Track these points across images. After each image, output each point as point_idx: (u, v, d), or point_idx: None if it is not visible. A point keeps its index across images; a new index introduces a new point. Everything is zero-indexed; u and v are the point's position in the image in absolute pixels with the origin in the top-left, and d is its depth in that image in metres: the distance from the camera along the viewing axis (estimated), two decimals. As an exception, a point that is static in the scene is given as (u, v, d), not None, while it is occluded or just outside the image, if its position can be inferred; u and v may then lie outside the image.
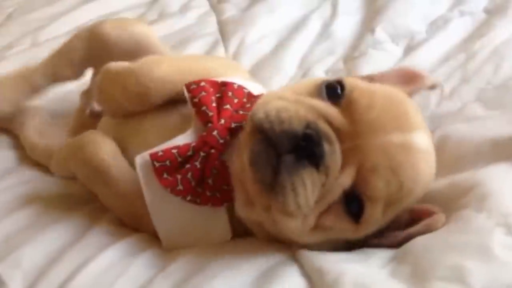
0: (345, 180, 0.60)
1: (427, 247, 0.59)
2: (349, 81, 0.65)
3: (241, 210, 0.65)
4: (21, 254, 0.68)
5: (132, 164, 0.74)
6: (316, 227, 0.62)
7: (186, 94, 0.71)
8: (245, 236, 0.69)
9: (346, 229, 0.62)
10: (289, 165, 0.59)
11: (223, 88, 0.72)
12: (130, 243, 0.69)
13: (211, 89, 0.71)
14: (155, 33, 0.93)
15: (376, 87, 0.66)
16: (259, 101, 0.65)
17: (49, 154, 0.86)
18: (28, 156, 0.94)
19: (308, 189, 0.59)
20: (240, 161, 0.63)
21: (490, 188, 0.64)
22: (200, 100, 0.70)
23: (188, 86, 0.72)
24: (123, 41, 0.89)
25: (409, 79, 0.73)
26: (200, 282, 0.61)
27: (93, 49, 0.90)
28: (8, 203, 0.79)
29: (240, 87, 0.73)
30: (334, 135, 0.60)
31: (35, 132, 0.95)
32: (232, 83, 0.73)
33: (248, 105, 0.71)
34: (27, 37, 1.34)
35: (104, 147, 0.73)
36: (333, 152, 0.60)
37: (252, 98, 0.72)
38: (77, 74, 0.94)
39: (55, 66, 0.93)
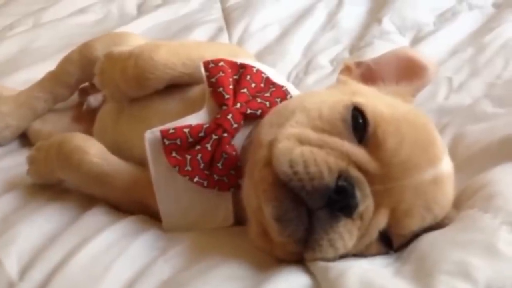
0: (380, 222, 0.59)
1: (432, 245, 0.58)
2: (370, 111, 0.61)
3: (254, 239, 0.62)
4: (16, 233, 0.67)
5: (131, 154, 0.74)
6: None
7: (203, 72, 0.70)
8: (246, 224, 0.68)
9: (377, 254, 0.61)
10: (324, 222, 0.56)
11: (241, 70, 0.71)
12: (129, 224, 0.68)
13: (229, 70, 0.70)
14: (145, 40, 0.92)
15: (399, 111, 0.62)
16: (281, 138, 0.59)
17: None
18: (30, 142, 0.94)
19: (345, 240, 0.58)
20: (256, 198, 0.60)
21: (496, 188, 0.63)
22: (217, 80, 0.69)
23: (206, 64, 0.70)
24: None
25: (412, 72, 0.70)
26: (201, 271, 0.59)
27: (86, 71, 0.91)
28: (4, 183, 0.79)
29: (259, 72, 0.71)
30: (365, 179, 0.58)
31: (38, 119, 0.96)
32: (251, 66, 0.72)
33: (266, 94, 0.69)
34: (29, 18, 1.33)
35: (90, 150, 0.72)
36: (365, 197, 0.58)
37: (270, 84, 0.71)
38: (75, 91, 0.97)
39: (53, 91, 0.94)
